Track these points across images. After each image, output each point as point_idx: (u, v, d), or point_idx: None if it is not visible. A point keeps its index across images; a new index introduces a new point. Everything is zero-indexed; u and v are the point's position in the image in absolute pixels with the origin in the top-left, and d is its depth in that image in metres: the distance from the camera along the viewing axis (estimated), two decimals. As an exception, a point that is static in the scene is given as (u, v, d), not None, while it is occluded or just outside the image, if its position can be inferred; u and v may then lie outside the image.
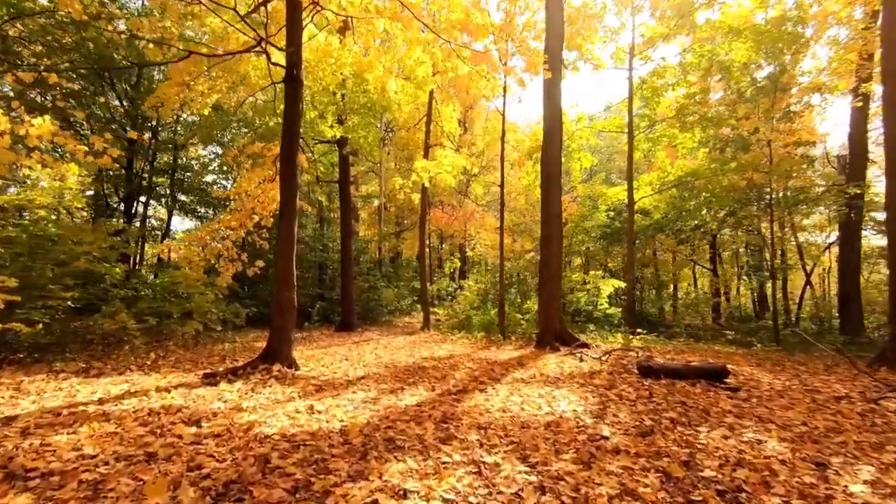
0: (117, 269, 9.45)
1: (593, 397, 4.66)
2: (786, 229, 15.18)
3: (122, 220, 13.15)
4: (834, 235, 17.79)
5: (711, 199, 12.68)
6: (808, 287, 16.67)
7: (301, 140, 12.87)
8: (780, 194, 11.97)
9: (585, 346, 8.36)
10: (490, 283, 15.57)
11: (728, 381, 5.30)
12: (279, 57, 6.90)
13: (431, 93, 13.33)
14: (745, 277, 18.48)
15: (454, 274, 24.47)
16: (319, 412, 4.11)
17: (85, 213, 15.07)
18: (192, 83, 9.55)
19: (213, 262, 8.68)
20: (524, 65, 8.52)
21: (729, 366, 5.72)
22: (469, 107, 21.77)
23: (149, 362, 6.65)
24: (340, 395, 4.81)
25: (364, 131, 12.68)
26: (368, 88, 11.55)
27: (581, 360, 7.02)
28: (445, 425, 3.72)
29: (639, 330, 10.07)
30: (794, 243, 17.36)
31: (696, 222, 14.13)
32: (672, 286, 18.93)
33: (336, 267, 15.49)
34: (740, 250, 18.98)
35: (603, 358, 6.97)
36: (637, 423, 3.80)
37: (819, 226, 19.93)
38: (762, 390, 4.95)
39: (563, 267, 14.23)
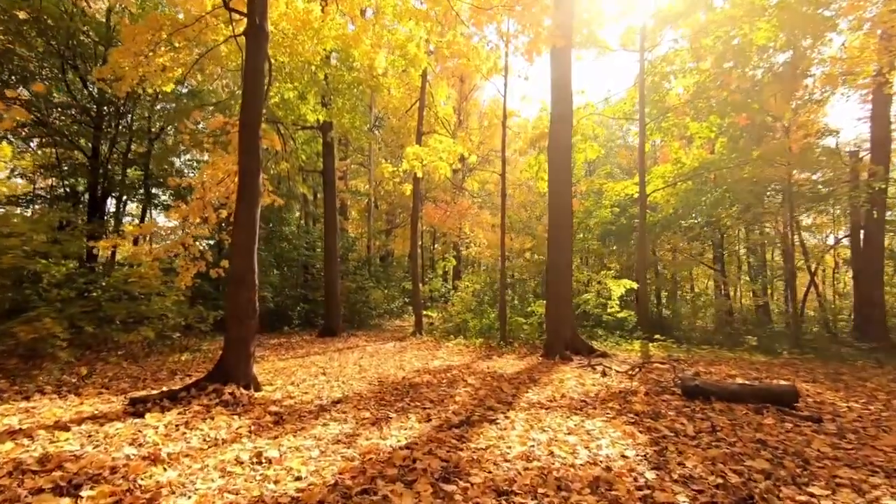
0: (62, 266, 8.13)
1: (641, 433, 3.53)
2: (789, 228, 14.36)
3: (84, 215, 11.78)
4: (835, 236, 17.09)
5: (728, 193, 11.71)
6: (814, 288, 15.85)
7: (280, 125, 11.66)
8: (796, 189, 11.05)
9: (604, 355, 7.25)
10: (487, 283, 14.43)
11: (798, 405, 4.25)
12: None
13: (424, 75, 12.17)
14: (746, 278, 17.57)
15: (447, 275, 23.28)
16: (270, 462, 2.93)
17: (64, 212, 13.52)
18: (150, 54, 8.32)
19: (169, 260, 7.40)
20: (530, 40, 7.44)
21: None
22: (465, 97, 20.66)
23: (74, 380, 5.38)
24: (305, 430, 3.63)
25: (350, 114, 11.44)
26: (354, 65, 10.36)
27: (604, 374, 5.90)
28: (448, 487, 2.57)
29: (656, 336, 9.00)
30: (798, 243, 16.54)
31: (706, 219, 13.16)
32: (678, 288, 17.97)
33: (322, 266, 14.21)
34: (742, 251, 18.12)
35: (631, 372, 5.85)
36: (720, 479, 2.68)
37: (821, 225, 19.21)
38: (849, 419, 3.88)
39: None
